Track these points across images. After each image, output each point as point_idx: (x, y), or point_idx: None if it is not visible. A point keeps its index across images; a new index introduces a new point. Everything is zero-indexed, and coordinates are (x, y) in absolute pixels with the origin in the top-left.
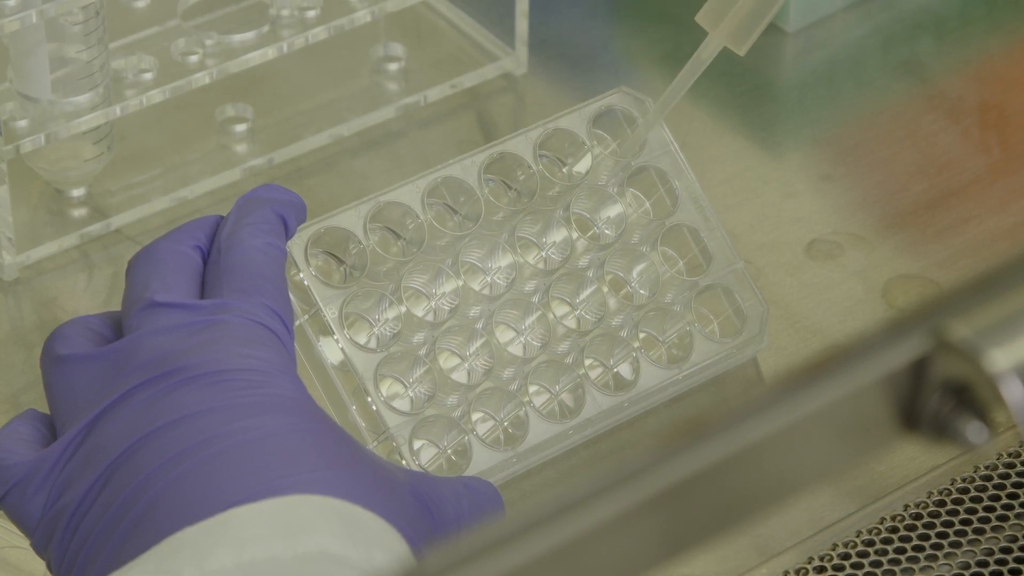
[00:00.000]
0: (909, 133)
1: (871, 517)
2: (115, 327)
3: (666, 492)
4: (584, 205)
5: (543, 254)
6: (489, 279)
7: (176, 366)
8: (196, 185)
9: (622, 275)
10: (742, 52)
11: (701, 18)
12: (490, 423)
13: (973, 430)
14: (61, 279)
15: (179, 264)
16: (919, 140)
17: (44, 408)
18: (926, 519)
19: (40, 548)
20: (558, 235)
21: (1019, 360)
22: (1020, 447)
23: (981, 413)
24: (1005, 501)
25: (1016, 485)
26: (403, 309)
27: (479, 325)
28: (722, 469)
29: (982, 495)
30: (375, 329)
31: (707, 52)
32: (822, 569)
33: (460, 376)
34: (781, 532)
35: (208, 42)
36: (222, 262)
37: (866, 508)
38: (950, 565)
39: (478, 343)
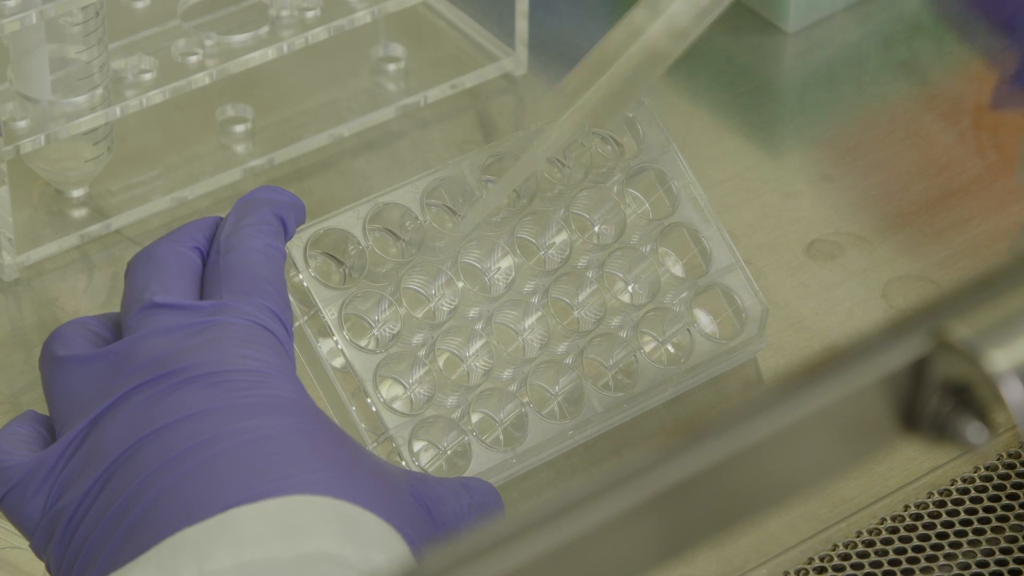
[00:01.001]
0: (909, 133)
1: (871, 517)
2: (114, 328)
3: (666, 492)
4: (584, 206)
5: (543, 255)
6: (488, 280)
7: (175, 367)
8: (196, 185)
9: (622, 275)
10: (605, 129)
11: (550, 101)
12: (490, 423)
13: (973, 430)
14: (61, 279)
15: (178, 265)
16: (919, 140)
17: (43, 409)
18: (926, 519)
19: (39, 549)
20: (558, 236)
21: (1019, 360)
22: (1020, 447)
23: (981, 413)
24: (1005, 501)
25: (1016, 485)
26: (402, 310)
27: (479, 326)
28: (722, 469)
29: (982, 495)
30: (374, 330)
31: (550, 141)
32: (822, 570)
33: (460, 377)
34: (781, 532)
35: (208, 42)
36: (221, 263)
37: (866, 508)
38: (950, 566)
39: (478, 344)
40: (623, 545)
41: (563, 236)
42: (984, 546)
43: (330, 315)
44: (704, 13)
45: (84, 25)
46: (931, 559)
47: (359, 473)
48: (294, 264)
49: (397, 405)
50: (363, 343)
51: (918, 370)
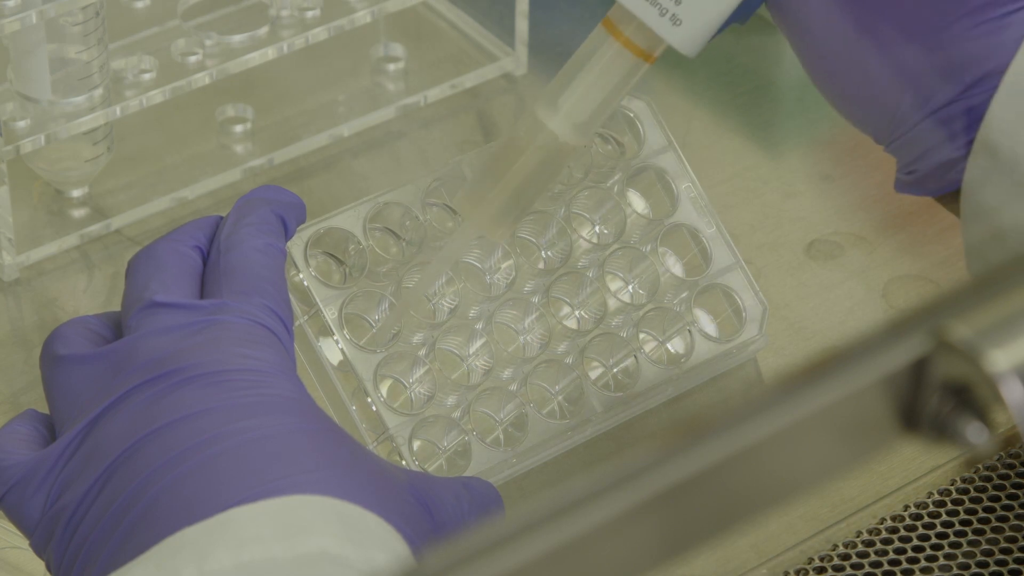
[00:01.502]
0: None
1: (871, 517)
2: (115, 327)
3: (666, 492)
4: (584, 206)
5: (543, 254)
6: (489, 279)
7: (176, 366)
8: (196, 185)
9: (622, 275)
10: (499, 239)
11: (461, 197)
12: (490, 423)
13: (973, 430)
14: (61, 279)
15: (179, 264)
16: None
17: (44, 408)
18: (926, 519)
19: (39, 548)
20: (558, 235)
21: (1019, 360)
22: (1020, 447)
23: (981, 413)
24: (1005, 501)
25: (1016, 485)
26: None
27: (479, 325)
28: (722, 469)
29: (982, 495)
30: (375, 330)
31: (462, 241)
32: (822, 570)
33: (460, 376)
34: (781, 532)
35: (208, 42)
36: (222, 263)
37: (866, 508)
38: (950, 566)
39: (478, 343)
40: (623, 545)
41: (563, 236)
42: (984, 546)
43: (330, 314)
44: (602, 107)
45: (84, 25)
46: (931, 559)
47: (359, 473)
48: (294, 263)
49: (397, 404)
50: (363, 342)
51: (918, 370)
